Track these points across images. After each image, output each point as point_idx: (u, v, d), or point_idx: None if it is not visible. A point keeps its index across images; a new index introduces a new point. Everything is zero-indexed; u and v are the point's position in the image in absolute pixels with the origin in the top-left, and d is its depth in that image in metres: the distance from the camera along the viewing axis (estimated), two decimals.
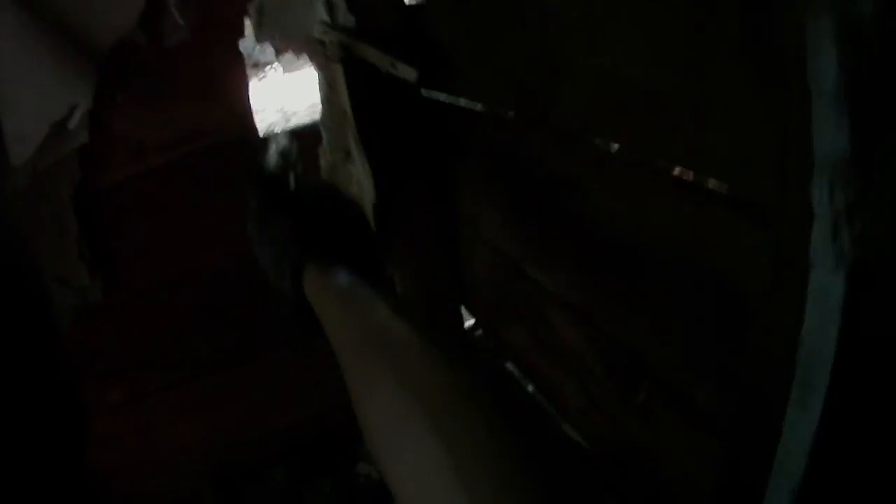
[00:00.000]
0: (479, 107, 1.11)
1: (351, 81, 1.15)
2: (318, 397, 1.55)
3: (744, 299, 0.67)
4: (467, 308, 1.37)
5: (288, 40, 1.26)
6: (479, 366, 0.50)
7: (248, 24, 1.31)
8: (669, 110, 0.72)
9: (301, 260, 0.66)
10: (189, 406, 1.69)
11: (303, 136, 1.25)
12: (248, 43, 1.41)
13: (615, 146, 0.87)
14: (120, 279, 1.57)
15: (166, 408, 1.69)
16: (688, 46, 0.66)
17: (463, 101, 1.12)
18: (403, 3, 1.18)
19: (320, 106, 1.26)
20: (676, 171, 0.82)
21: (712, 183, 0.70)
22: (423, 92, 1.15)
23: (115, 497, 1.64)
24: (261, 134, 1.50)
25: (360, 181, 1.21)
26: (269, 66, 4.96)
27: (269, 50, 1.45)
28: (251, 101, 1.39)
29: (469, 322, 1.40)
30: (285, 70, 4.57)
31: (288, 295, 0.67)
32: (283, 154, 0.80)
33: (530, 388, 1.25)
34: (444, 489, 0.40)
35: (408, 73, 1.08)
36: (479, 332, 1.37)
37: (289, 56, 1.38)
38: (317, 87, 1.29)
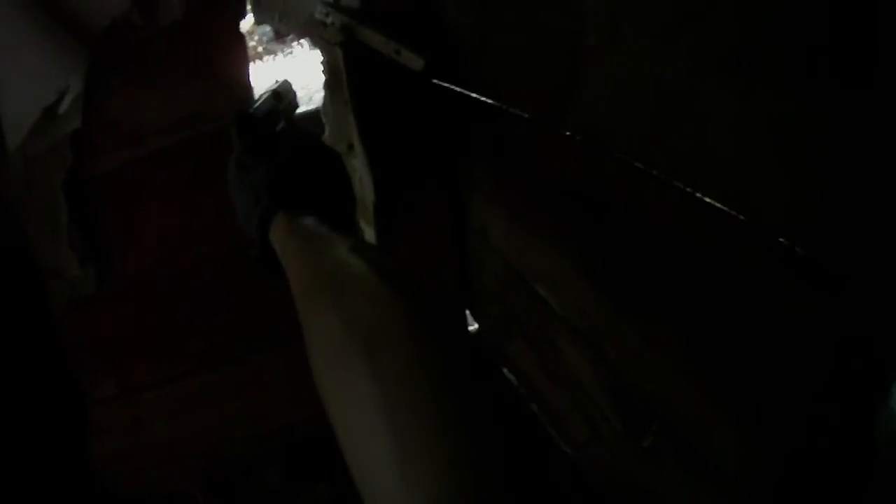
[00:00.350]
0: (491, 103, 1.00)
1: (352, 68, 1.05)
2: (315, 397, 1.48)
3: (789, 362, 0.56)
4: (472, 314, 1.28)
5: (288, 21, 1.15)
6: (431, 309, 0.48)
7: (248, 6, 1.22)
8: (703, 126, 0.60)
9: (272, 207, 0.65)
10: (183, 401, 1.63)
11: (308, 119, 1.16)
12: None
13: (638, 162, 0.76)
14: (114, 270, 1.50)
15: (160, 402, 1.64)
16: (734, 48, 0.54)
17: (474, 96, 1.02)
18: None
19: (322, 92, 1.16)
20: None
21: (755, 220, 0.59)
22: (432, 83, 1.04)
23: (107, 488, 1.61)
24: None
25: (361, 178, 1.11)
26: (295, 42, 4.86)
27: None
28: (252, 83, 1.30)
29: (472, 327, 1.30)
30: (311, 48, 4.48)
31: (256, 241, 0.66)
32: (271, 103, 0.80)
33: (534, 407, 1.16)
34: (372, 431, 0.40)
35: (413, 61, 0.98)
36: (483, 342, 1.27)
37: None
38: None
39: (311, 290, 0.53)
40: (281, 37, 1.23)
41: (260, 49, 4.77)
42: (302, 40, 4.67)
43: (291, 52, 5.10)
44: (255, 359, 1.62)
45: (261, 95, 0.83)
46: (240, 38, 1.31)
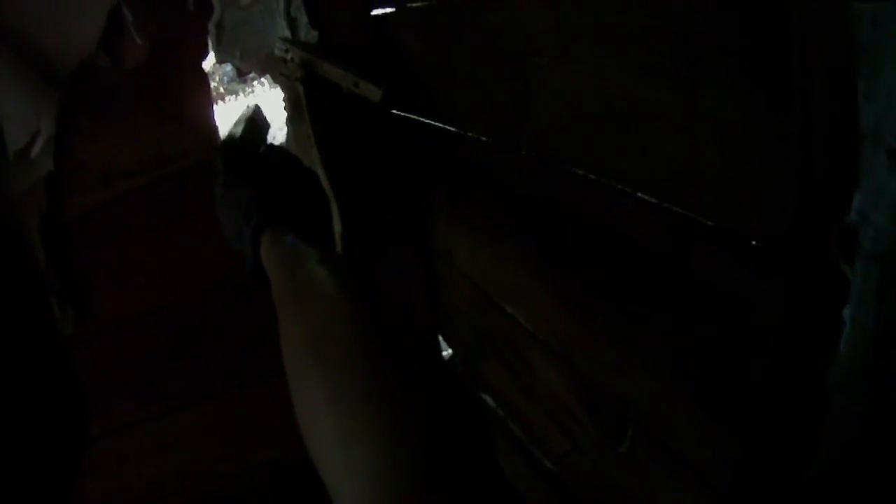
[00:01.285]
0: (449, 129, 1.02)
1: (312, 102, 1.07)
2: (297, 429, 1.48)
3: (746, 348, 0.58)
4: (444, 339, 1.29)
5: (249, 58, 1.18)
6: (380, 311, 0.52)
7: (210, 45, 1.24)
8: (653, 134, 0.63)
9: (262, 224, 0.68)
10: (168, 438, 1.63)
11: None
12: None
13: (591, 175, 0.78)
14: (92, 310, 1.50)
15: (145, 440, 1.63)
16: (675, 56, 0.57)
17: (432, 123, 1.04)
18: (369, 17, 1.10)
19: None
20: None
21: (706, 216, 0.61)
22: (391, 113, 1.07)
23: None
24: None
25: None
26: (255, 81, 4.92)
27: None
28: (216, 122, 1.32)
29: (447, 353, 1.32)
30: (272, 86, 4.54)
31: (248, 259, 0.70)
32: (252, 125, 0.84)
33: (511, 424, 1.17)
34: (321, 419, 0.44)
35: (371, 92, 1.00)
36: (457, 365, 1.28)
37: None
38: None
39: (282, 300, 0.58)
40: (242, 75, 1.25)
41: (221, 90, 4.81)
42: (262, 79, 4.71)
43: (252, 92, 5.14)
44: (235, 394, 1.62)
45: (237, 121, 0.86)
46: (203, 79, 1.33)
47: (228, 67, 1.31)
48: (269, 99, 4.58)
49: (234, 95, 4.85)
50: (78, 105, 1.36)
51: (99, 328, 1.51)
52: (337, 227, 1.10)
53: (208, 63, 1.32)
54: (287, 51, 1.10)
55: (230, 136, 0.82)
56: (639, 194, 0.69)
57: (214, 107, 1.33)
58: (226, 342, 1.54)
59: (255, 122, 0.86)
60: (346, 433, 0.42)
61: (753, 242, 0.56)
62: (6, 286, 0.42)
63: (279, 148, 0.85)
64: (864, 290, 0.32)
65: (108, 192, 1.41)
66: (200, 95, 1.32)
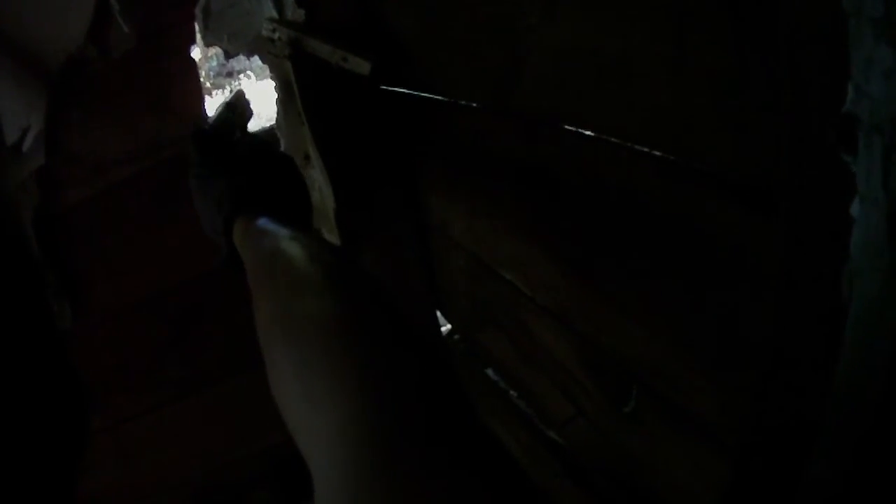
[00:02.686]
0: (440, 98, 1.02)
1: (301, 79, 1.07)
2: None
3: (748, 295, 0.59)
4: (443, 314, 1.29)
5: (237, 40, 1.17)
6: (348, 279, 0.51)
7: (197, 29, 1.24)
8: (644, 84, 0.63)
9: (234, 213, 0.68)
10: (169, 429, 1.62)
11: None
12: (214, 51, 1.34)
13: (585, 131, 0.78)
14: (89, 302, 1.50)
15: (146, 432, 1.63)
16: (660, 5, 0.57)
17: (423, 94, 1.04)
18: None
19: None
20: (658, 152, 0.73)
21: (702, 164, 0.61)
22: (382, 87, 1.07)
23: None
24: None
25: (320, 187, 1.13)
26: (241, 74, 4.91)
27: (242, 58, 1.38)
28: (206, 109, 1.31)
29: (446, 328, 1.32)
30: (258, 78, 4.54)
31: (222, 247, 0.70)
32: (225, 115, 0.83)
33: (513, 394, 1.17)
34: (288, 387, 0.44)
35: (360, 66, 1.00)
36: (456, 337, 1.29)
37: (259, 64, 1.31)
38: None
39: (255, 278, 0.58)
40: (230, 58, 1.25)
41: (208, 84, 4.80)
42: (248, 72, 4.72)
43: (239, 84, 5.13)
44: (236, 381, 1.61)
45: (218, 106, 0.86)
46: (192, 65, 1.33)
47: (214, 62, 1.31)
48: (257, 92, 4.58)
49: (220, 90, 4.83)
50: (68, 97, 1.35)
51: (96, 320, 1.50)
52: (330, 203, 1.11)
53: (195, 56, 1.32)
54: (274, 30, 1.10)
55: (201, 124, 0.82)
56: (633, 146, 0.70)
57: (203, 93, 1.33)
58: (225, 328, 1.54)
59: (235, 108, 0.84)
60: (313, 395, 0.41)
61: (750, 186, 0.56)
62: (3, 281, 0.41)
63: (254, 135, 0.84)
64: (869, 166, 0.32)
65: (101, 183, 1.40)
66: (189, 82, 1.31)
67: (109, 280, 1.48)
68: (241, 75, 4.94)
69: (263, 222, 0.65)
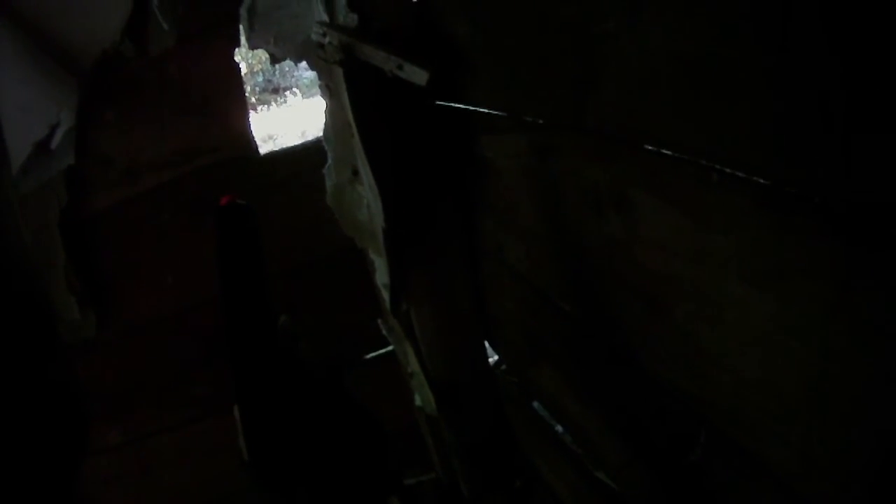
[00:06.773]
0: (501, 112, 0.95)
1: (353, 87, 1.00)
2: None
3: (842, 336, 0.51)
4: (491, 344, 1.21)
5: (284, 44, 1.11)
6: None
7: (242, 31, 1.18)
8: (736, 94, 0.55)
9: None
10: (191, 447, 1.58)
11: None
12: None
13: (670, 151, 0.70)
14: (114, 313, 1.44)
15: (167, 449, 1.58)
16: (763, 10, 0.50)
17: (483, 107, 0.97)
18: None
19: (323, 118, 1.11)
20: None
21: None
22: (437, 98, 1.00)
23: None
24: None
25: (369, 203, 1.06)
26: (288, 92, 4.86)
27: (288, 74, 1.33)
28: (250, 123, 1.25)
29: (493, 359, 1.24)
30: (304, 96, 4.50)
31: None
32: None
33: (559, 429, 1.09)
34: None
35: (417, 75, 0.93)
36: (504, 368, 1.20)
37: (305, 81, 1.25)
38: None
39: None
40: (276, 62, 1.18)
41: (253, 100, 4.75)
42: (295, 89, 4.68)
43: (285, 102, 5.07)
44: None
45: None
46: (235, 69, 1.27)
47: (260, 78, 1.26)
48: (303, 109, 4.52)
49: (266, 105, 4.78)
50: (101, 96, 1.30)
51: (122, 331, 1.45)
52: (379, 222, 1.03)
53: (241, 70, 1.26)
54: (325, 34, 1.04)
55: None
56: (725, 169, 0.62)
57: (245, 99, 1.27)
58: None
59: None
60: None
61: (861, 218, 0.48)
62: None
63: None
64: None
65: (133, 188, 1.35)
66: (231, 86, 1.26)
67: (138, 291, 1.43)
68: (288, 92, 4.89)
69: None
